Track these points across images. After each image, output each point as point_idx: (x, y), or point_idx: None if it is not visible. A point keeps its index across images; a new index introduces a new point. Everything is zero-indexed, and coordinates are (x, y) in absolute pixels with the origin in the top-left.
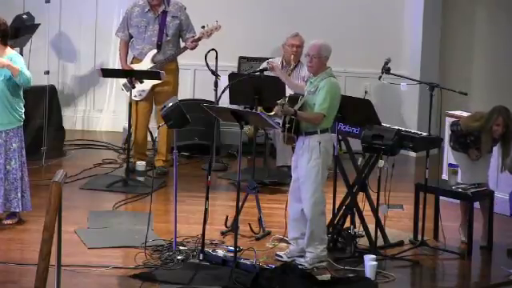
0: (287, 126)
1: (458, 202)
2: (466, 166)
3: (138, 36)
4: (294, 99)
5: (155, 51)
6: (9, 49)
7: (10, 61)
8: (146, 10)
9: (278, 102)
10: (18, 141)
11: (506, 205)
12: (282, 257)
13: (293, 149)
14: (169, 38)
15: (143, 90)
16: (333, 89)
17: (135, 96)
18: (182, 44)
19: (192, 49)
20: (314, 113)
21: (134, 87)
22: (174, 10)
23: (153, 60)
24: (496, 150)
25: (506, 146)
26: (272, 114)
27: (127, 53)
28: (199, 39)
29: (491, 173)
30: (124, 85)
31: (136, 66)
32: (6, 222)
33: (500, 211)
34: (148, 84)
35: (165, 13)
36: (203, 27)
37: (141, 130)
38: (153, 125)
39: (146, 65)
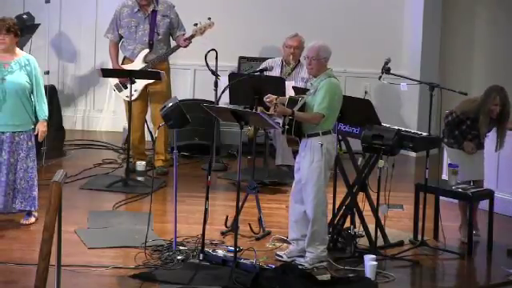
0: (286, 127)
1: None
2: (461, 163)
3: (129, 36)
4: (293, 101)
5: (147, 51)
6: (18, 49)
7: (28, 63)
8: (136, 10)
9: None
10: (32, 139)
11: (507, 205)
12: (281, 257)
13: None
14: (160, 37)
15: (135, 90)
16: (332, 89)
17: (127, 96)
18: (173, 43)
19: (185, 47)
20: (312, 113)
21: (126, 87)
22: (163, 8)
23: (145, 60)
24: (491, 145)
25: (502, 124)
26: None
27: (118, 53)
28: (192, 37)
29: (491, 173)
30: (116, 85)
31: (128, 67)
32: (24, 222)
33: (500, 211)
34: (140, 84)
35: (154, 12)
36: (196, 25)
37: (136, 131)
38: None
39: (137, 65)
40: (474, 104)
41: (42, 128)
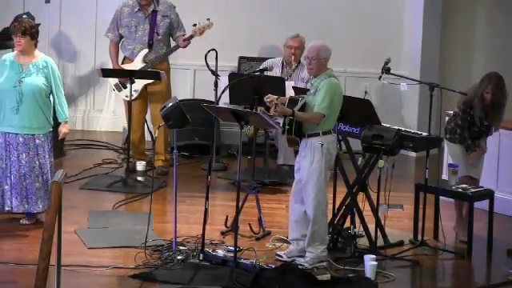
0: (286, 127)
1: None
2: (462, 159)
3: (128, 36)
4: (294, 101)
5: (146, 51)
6: (38, 51)
7: (46, 65)
8: (136, 9)
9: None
10: (51, 141)
11: (507, 205)
12: (281, 257)
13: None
14: (160, 37)
15: (135, 90)
16: (332, 89)
17: (126, 96)
18: (173, 43)
19: (184, 47)
20: (312, 113)
21: (125, 87)
22: (163, 9)
23: (144, 59)
24: (492, 146)
25: (496, 112)
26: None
27: (118, 53)
28: (191, 37)
29: (491, 173)
30: (116, 85)
31: (127, 66)
32: (25, 222)
33: (500, 211)
34: (139, 84)
35: (155, 12)
36: (195, 25)
37: (136, 131)
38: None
39: (137, 64)
40: (471, 92)
41: (63, 130)
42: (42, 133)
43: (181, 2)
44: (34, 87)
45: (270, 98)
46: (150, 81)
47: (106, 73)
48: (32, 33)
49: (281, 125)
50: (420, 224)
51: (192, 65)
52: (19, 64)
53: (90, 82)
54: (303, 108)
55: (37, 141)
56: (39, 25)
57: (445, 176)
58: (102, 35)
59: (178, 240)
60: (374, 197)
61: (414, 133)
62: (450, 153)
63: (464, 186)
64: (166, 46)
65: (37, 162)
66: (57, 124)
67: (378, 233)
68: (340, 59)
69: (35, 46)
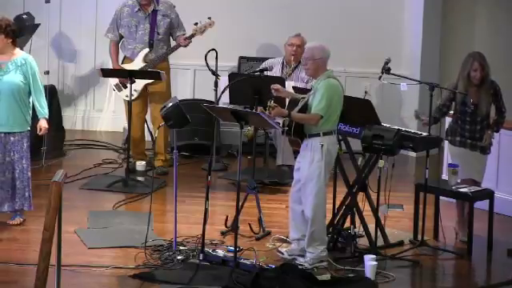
0: (285, 128)
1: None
2: (462, 162)
3: (129, 36)
4: (295, 101)
5: (147, 50)
6: (18, 50)
7: (25, 62)
8: (136, 9)
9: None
10: (28, 140)
11: (507, 205)
12: (283, 253)
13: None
14: (160, 37)
15: (135, 90)
16: (330, 89)
17: (127, 96)
18: (173, 43)
19: (185, 46)
20: (309, 114)
21: (125, 87)
22: (163, 8)
23: (144, 59)
24: (494, 150)
25: (482, 90)
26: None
27: (118, 53)
28: (192, 36)
29: (491, 173)
30: (116, 85)
31: (128, 66)
32: (11, 222)
33: (500, 211)
34: (139, 84)
35: (155, 12)
36: (196, 24)
37: (136, 130)
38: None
39: (137, 64)
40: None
41: (43, 125)
42: (18, 131)
43: (181, 1)
44: (12, 85)
45: (276, 86)
46: (151, 81)
47: (106, 73)
48: (7, 31)
49: (280, 125)
50: (420, 224)
51: (192, 65)
52: None
53: (89, 82)
54: (304, 109)
55: (11, 138)
56: (39, 25)
57: (445, 176)
58: (101, 35)
59: (178, 240)
60: (374, 197)
61: (414, 133)
62: (451, 156)
63: (464, 185)
64: (167, 45)
65: (6, 159)
66: (36, 121)
67: (378, 233)
68: (340, 59)
69: (13, 44)
